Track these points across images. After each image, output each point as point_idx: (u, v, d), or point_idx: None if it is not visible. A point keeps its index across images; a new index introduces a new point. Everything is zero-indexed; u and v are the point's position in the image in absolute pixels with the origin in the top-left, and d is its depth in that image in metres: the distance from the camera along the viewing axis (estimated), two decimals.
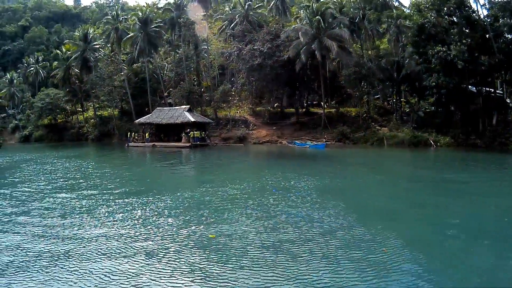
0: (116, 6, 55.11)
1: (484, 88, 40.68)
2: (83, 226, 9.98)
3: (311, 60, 43.93)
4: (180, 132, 39.67)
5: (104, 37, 52.66)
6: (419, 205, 12.52)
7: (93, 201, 13.24)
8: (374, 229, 9.45)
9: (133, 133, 43.60)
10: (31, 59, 76.47)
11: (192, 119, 38.27)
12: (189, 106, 41.46)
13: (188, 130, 38.57)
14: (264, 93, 46.45)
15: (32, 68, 74.01)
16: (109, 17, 52.40)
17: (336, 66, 51.46)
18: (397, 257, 7.62)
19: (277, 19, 55.42)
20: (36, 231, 9.60)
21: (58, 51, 67.17)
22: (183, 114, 39.10)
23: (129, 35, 48.07)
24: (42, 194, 14.56)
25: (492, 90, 41.53)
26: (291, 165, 24.11)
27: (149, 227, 9.86)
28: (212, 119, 46.29)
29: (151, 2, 75.06)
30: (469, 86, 38.91)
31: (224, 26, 57.34)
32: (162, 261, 7.54)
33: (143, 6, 54.00)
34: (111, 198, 13.65)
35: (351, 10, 49.12)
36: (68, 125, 63.77)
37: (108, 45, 55.01)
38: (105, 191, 15.01)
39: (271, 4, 53.74)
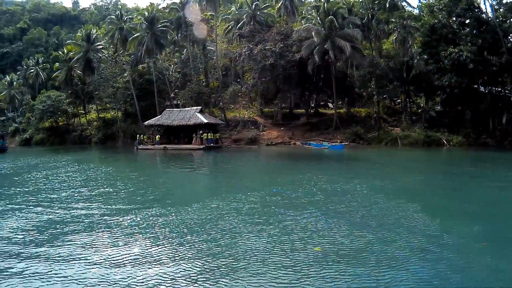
0: (120, 6, 53.83)
1: (494, 88, 40.90)
2: (120, 245, 8.46)
3: (322, 60, 43.20)
4: (191, 134, 38.49)
5: (107, 37, 51.31)
6: (489, 203, 12.28)
7: (135, 215, 11.30)
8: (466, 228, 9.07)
9: (141, 136, 42.27)
10: (31, 61, 74.99)
11: (205, 120, 37.13)
12: (200, 107, 40.30)
13: (201, 131, 37.39)
14: (275, 93, 45.42)
15: (32, 70, 72.53)
16: (112, 17, 51.17)
17: (344, 66, 50.80)
18: None
19: (285, 19, 54.62)
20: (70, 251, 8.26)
21: (59, 52, 65.88)
22: (195, 115, 37.90)
23: (135, 35, 46.77)
24: (68, 206, 13.00)
25: (501, 90, 41.61)
26: (325, 167, 23.45)
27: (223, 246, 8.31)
28: (221, 120, 45.21)
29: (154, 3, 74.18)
30: (478, 86, 39.44)
31: (230, 27, 56.44)
32: None
33: (148, 6, 52.45)
34: (147, 211, 11.73)
35: (360, 10, 48.53)
36: (70, 128, 62.31)
37: (112, 46, 53.61)
38: (135, 203, 12.99)
39: (279, 4, 52.99)
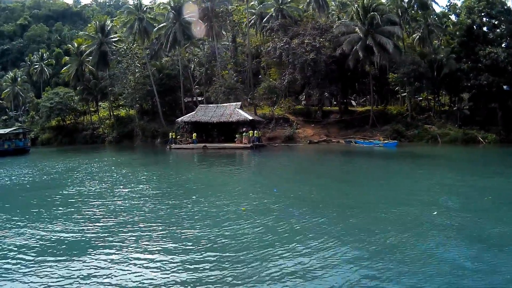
0: None
1: None
2: None
3: (364, 56, 41.39)
4: (228, 132, 35.06)
5: (126, 28, 47.32)
6: None
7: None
8: None
9: (174, 134, 38.42)
10: (35, 57, 70.77)
11: (250, 117, 33.89)
12: (240, 103, 36.96)
13: (245, 129, 33.98)
14: (312, 89, 42.61)
15: (36, 66, 68.25)
16: (130, 6, 47.30)
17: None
18: None
19: (311, 13, 51.98)
20: None
21: (69, 45, 61.96)
22: (236, 111, 34.53)
23: (161, 25, 43.00)
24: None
25: None
26: (412, 167, 22.04)
27: None
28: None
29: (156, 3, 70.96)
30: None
31: (252, 20, 53.34)
32: None
33: None
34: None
35: (391, 7, 47.68)
36: (79, 126, 58.21)
37: (130, 38, 49.70)
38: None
39: None
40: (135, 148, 43.53)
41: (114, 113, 55.53)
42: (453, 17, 51.21)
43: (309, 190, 15.16)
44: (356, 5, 43.03)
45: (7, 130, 43.80)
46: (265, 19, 50.13)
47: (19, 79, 66.49)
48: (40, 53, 71.13)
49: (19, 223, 11.08)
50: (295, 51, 38.61)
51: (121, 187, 16.90)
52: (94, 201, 13.93)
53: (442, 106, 49.16)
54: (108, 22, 53.69)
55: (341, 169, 22.29)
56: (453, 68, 40.05)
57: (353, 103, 59.40)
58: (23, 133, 45.78)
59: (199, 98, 53.43)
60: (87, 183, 18.27)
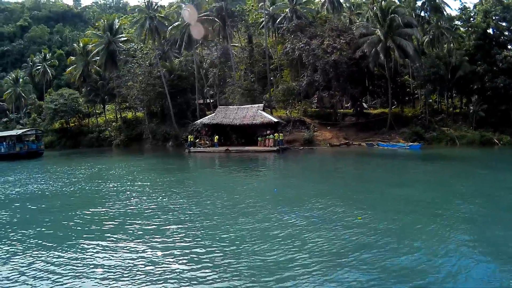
0: None
1: None
2: None
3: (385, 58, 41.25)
4: (249, 134, 33.70)
5: (137, 26, 45.74)
6: None
7: None
8: None
9: (192, 137, 36.76)
10: (38, 57, 68.86)
11: (275, 119, 32.52)
12: (262, 104, 35.62)
13: (269, 131, 32.59)
14: (333, 91, 41.72)
15: (39, 67, 66.36)
16: (141, 4, 45.84)
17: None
18: None
19: (324, 14, 51.03)
20: None
21: (74, 45, 60.32)
22: (259, 113, 33.10)
23: (175, 23, 41.48)
24: None
25: None
26: (468, 168, 22.00)
27: None
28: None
29: (167, 3, 69.64)
30: None
31: (263, 21, 52.21)
32: None
33: None
34: None
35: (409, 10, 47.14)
36: (84, 129, 56.41)
37: (141, 37, 48.12)
38: None
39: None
40: (145, 151, 41.83)
41: (121, 116, 53.87)
42: (459, 22, 51.89)
43: (381, 197, 13.99)
44: (374, 8, 42.81)
45: (19, 132, 41.18)
46: (278, 20, 49.07)
47: (21, 80, 64.61)
48: (42, 53, 69.23)
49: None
50: (315, 52, 37.51)
51: (181, 201, 14.22)
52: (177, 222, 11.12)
53: (454, 108, 48.92)
54: (116, 21, 52.17)
55: (391, 174, 20.98)
56: (466, 71, 40.36)
57: (364, 105, 58.70)
58: (36, 135, 43.59)
59: (209, 101, 52.07)
60: (135, 198, 15.11)
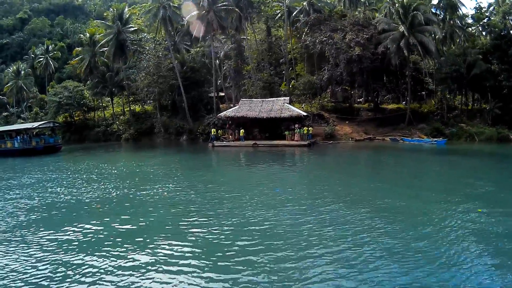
0: None
1: None
2: None
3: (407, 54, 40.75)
4: (273, 128, 32.32)
5: (149, 15, 43.88)
6: None
7: None
8: None
9: (215, 130, 35.11)
10: (40, 49, 66.75)
11: (303, 113, 31.37)
12: (289, 97, 34.35)
13: (297, 125, 31.23)
14: (358, 86, 40.81)
15: (41, 59, 64.26)
16: None
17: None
18: None
19: (340, 8, 49.93)
20: None
21: (81, 35, 58.38)
22: (286, 106, 31.83)
23: (193, 13, 39.66)
24: None
25: None
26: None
27: None
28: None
29: None
30: None
31: (280, 14, 50.90)
32: None
33: None
34: None
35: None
36: (90, 123, 54.48)
37: (151, 27, 46.33)
38: None
39: None
40: (159, 145, 40.13)
41: (128, 109, 52.08)
42: (472, 20, 51.90)
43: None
44: (396, 4, 42.30)
45: (35, 124, 37.91)
46: (294, 13, 47.82)
47: (22, 72, 62.49)
48: (45, 45, 67.13)
49: None
50: (338, 46, 36.44)
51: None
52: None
53: (466, 105, 49.50)
54: (126, 10, 50.33)
55: (437, 169, 20.25)
56: (482, 69, 40.46)
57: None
58: (53, 128, 40.88)
59: (221, 94, 50.54)
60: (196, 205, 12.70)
